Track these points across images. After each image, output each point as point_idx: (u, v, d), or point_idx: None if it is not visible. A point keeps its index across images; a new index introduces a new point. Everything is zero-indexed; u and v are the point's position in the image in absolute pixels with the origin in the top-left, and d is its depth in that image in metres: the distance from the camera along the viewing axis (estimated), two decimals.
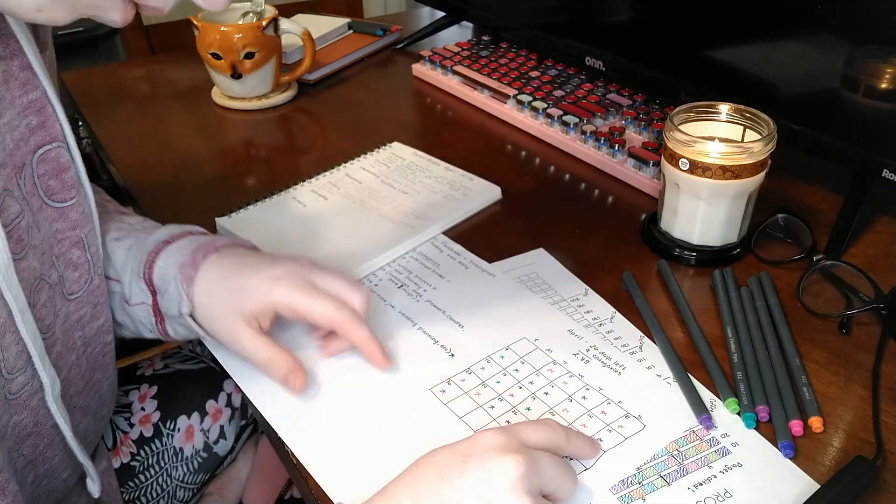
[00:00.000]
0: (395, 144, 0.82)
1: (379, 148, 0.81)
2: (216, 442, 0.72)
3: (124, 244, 0.55)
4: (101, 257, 0.52)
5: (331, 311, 0.49)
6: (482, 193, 0.73)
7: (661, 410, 0.49)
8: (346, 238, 0.66)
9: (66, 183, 0.48)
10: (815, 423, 0.48)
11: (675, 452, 0.46)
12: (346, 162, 0.79)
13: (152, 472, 0.68)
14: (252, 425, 0.76)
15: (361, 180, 0.75)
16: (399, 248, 0.65)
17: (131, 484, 0.67)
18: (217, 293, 0.50)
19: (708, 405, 0.49)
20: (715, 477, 0.44)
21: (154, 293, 0.53)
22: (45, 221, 0.47)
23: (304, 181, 0.75)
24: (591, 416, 0.49)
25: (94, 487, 0.56)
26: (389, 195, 0.72)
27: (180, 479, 0.70)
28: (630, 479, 0.44)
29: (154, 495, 0.68)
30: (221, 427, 0.73)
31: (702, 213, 0.62)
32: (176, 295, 0.51)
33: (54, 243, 0.48)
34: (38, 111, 0.46)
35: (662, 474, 0.45)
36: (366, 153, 0.80)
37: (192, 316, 0.51)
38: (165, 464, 0.69)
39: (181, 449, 0.69)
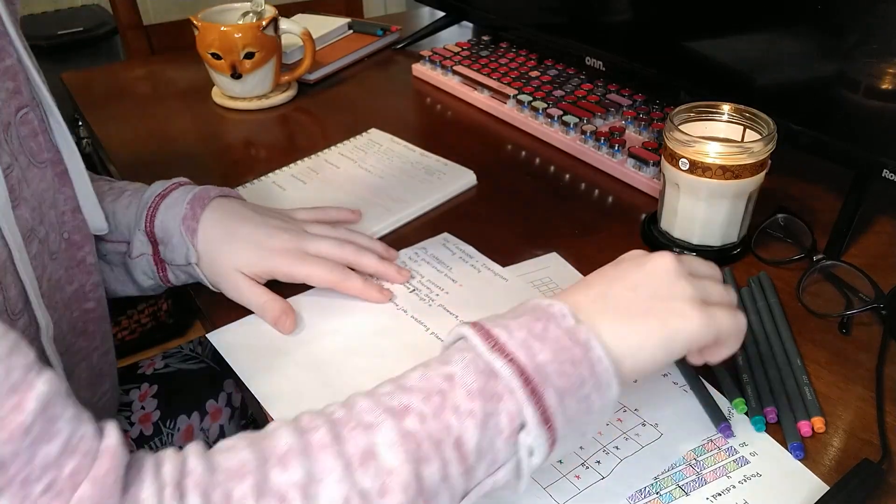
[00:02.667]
0: (373, 131, 0.85)
1: (357, 135, 0.84)
2: (216, 441, 0.71)
3: (122, 204, 0.60)
4: (77, 225, 0.53)
5: (325, 275, 0.58)
6: (457, 178, 0.75)
7: (678, 419, 0.49)
8: None
9: (41, 146, 0.49)
10: (818, 423, 0.48)
11: (693, 462, 0.46)
12: (325, 148, 0.81)
13: None
14: (252, 425, 0.76)
15: (339, 166, 0.78)
16: (375, 229, 0.67)
17: None
18: (219, 248, 0.57)
19: (725, 413, 0.49)
20: (734, 487, 0.44)
21: (155, 244, 0.58)
22: (33, 179, 0.48)
23: (284, 167, 0.78)
24: (607, 424, 0.48)
25: None
26: (366, 180, 0.75)
27: None
28: (647, 489, 0.44)
29: None
30: (221, 426, 0.73)
31: (702, 213, 0.62)
32: (182, 246, 0.57)
33: (42, 201, 0.49)
34: (13, 77, 0.47)
35: (680, 484, 0.44)
36: (343, 140, 0.83)
37: (198, 265, 0.58)
38: None
39: (181, 448, 0.69)
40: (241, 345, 0.55)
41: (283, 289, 0.58)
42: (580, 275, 0.62)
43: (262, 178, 0.76)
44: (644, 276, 0.43)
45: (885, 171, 0.60)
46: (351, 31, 1.14)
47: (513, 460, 0.38)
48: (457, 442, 0.36)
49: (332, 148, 0.81)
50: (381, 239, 0.66)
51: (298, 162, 0.79)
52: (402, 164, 0.77)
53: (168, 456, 0.36)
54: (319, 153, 0.80)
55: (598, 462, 0.46)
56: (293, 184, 0.75)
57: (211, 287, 0.59)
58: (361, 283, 0.58)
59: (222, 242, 0.57)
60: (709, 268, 0.46)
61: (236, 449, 0.36)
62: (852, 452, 0.46)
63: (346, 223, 0.66)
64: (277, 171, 0.77)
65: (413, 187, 0.73)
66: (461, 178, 0.75)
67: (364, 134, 0.84)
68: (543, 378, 0.37)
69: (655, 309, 0.41)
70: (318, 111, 0.94)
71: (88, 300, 0.56)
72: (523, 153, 0.83)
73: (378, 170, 0.77)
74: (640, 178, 0.74)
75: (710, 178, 0.59)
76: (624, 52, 0.83)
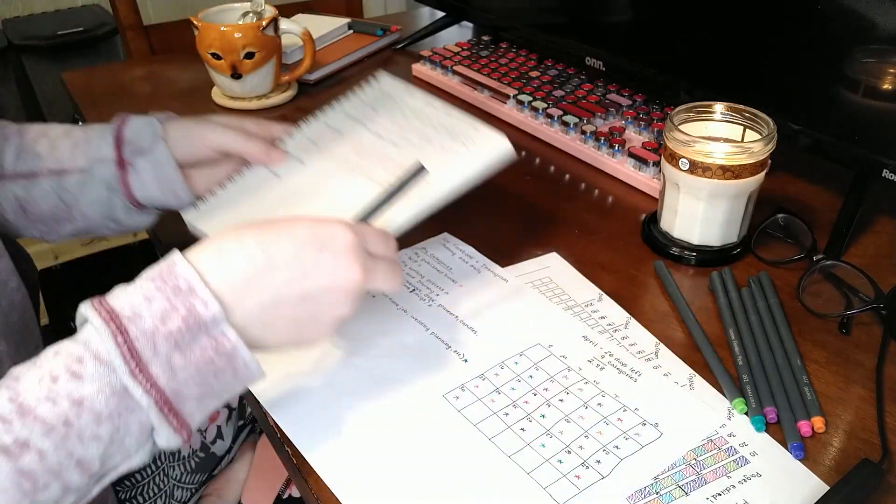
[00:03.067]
0: (383, 77, 0.68)
1: (364, 85, 0.68)
2: (213, 442, 0.71)
3: (70, 139, 0.59)
4: None
5: (231, 140, 0.60)
6: (489, 148, 0.58)
7: (678, 418, 0.48)
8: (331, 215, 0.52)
9: None
10: (818, 423, 0.48)
11: (693, 462, 0.46)
12: (327, 105, 0.67)
13: (148, 472, 0.68)
14: (250, 425, 0.76)
15: (344, 132, 0.63)
16: (393, 227, 0.53)
17: (127, 483, 0.66)
18: (184, 129, 0.60)
19: (726, 413, 0.49)
20: (734, 487, 0.44)
21: (120, 142, 0.59)
22: None
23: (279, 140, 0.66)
24: (607, 424, 0.48)
25: None
26: (378, 149, 0.61)
27: (177, 478, 0.70)
28: (647, 489, 0.44)
29: (151, 494, 0.68)
30: (219, 427, 0.73)
31: (702, 213, 0.62)
32: (149, 126, 0.59)
33: None
34: None
35: (680, 484, 0.44)
36: (346, 93, 0.68)
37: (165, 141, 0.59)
38: (162, 463, 0.68)
39: (178, 448, 0.69)
40: None
41: None
42: (580, 275, 0.62)
43: (254, 165, 0.63)
44: (320, 290, 0.42)
45: (885, 171, 0.60)
46: (351, 31, 1.14)
47: (146, 447, 0.39)
48: (79, 462, 0.36)
49: (336, 105, 0.66)
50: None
51: (296, 132, 0.65)
52: (422, 126, 0.62)
53: None
54: (320, 114, 0.66)
55: (598, 462, 0.46)
56: (289, 166, 0.62)
57: (177, 164, 0.59)
58: (258, 149, 0.60)
59: (183, 128, 0.61)
60: (384, 247, 0.47)
61: None
62: (852, 452, 0.46)
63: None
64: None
65: (434, 161, 0.55)
66: (494, 148, 0.58)
67: (372, 82, 0.68)
68: (183, 397, 0.38)
69: (307, 326, 0.43)
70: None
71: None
72: (523, 153, 0.83)
73: (392, 134, 0.62)
74: (640, 178, 0.74)
75: (710, 178, 0.59)
76: (624, 52, 0.83)
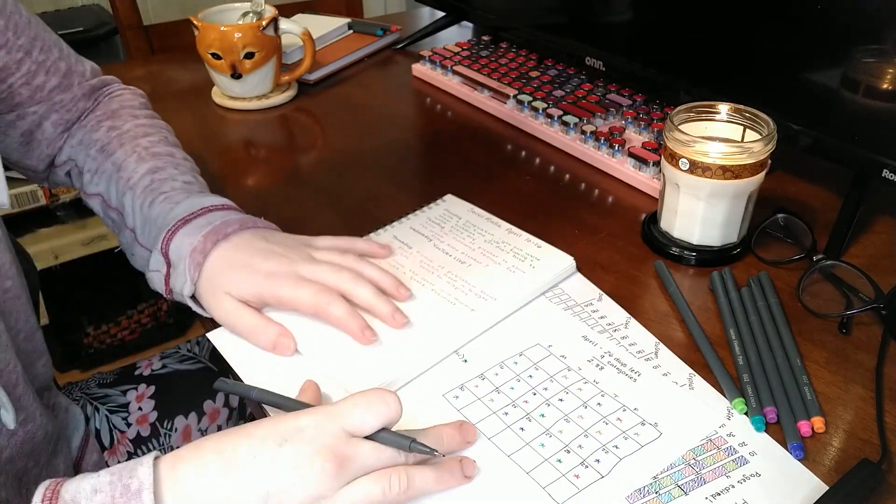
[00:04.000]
0: (449, 198, 0.72)
1: (431, 204, 0.71)
2: None
3: (154, 211, 0.59)
4: None
5: (308, 298, 0.53)
6: (553, 265, 0.61)
7: (677, 418, 0.48)
8: (394, 336, 0.55)
9: None
10: (818, 423, 0.48)
11: (693, 461, 0.46)
12: (395, 220, 0.69)
13: None
14: None
15: (412, 245, 0.65)
16: (460, 340, 0.55)
17: None
18: (215, 278, 0.55)
19: (725, 413, 0.49)
20: (733, 486, 0.44)
21: (168, 265, 0.56)
22: None
23: None
24: (607, 424, 0.48)
25: (7, 417, 0.50)
26: (445, 265, 0.62)
27: None
28: (646, 489, 0.44)
29: None
30: (219, 427, 0.73)
31: (702, 213, 0.62)
32: (183, 275, 0.55)
33: None
34: None
35: (679, 483, 0.44)
36: (415, 210, 0.70)
37: (193, 297, 0.56)
38: None
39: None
40: (241, 344, 0.54)
41: None
42: (580, 275, 0.62)
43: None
44: (279, 486, 0.39)
45: (885, 171, 0.60)
46: (351, 31, 1.14)
47: None
48: None
49: (404, 220, 0.68)
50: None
51: (366, 238, 0.66)
52: (486, 245, 0.64)
53: None
54: (388, 226, 0.68)
55: (598, 461, 0.46)
56: None
57: (212, 318, 0.56)
58: (344, 313, 0.53)
59: (220, 273, 0.55)
60: (372, 418, 0.41)
61: None
62: (852, 452, 0.46)
63: (374, 257, 0.61)
64: None
65: (500, 278, 0.60)
66: (557, 265, 0.61)
67: (440, 202, 0.71)
68: None
69: None
70: (318, 111, 0.94)
71: (7, 278, 0.54)
72: (523, 153, 0.83)
73: (458, 251, 0.63)
74: (640, 178, 0.74)
75: (710, 178, 0.59)
76: (624, 52, 0.83)
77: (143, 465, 0.38)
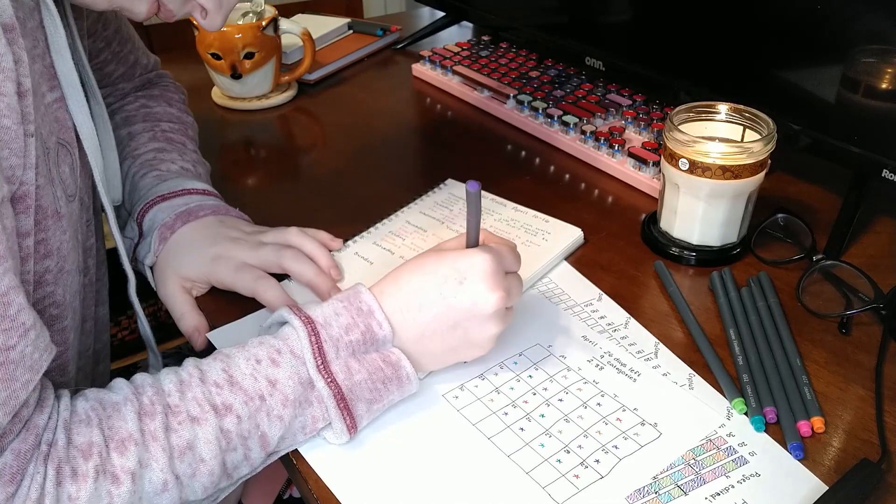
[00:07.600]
0: (451, 182, 0.74)
1: (434, 189, 0.73)
2: None
3: (142, 184, 0.64)
4: (75, 254, 0.53)
5: (246, 284, 0.57)
6: (562, 237, 0.65)
7: (677, 418, 0.49)
8: None
9: (67, 187, 0.49)
10: (817, 423, 0.48)
11: (692, 461, 0.46)
12: (401, 208, 0.70)
13: None
14: None
15: (426, 228, 0.67)
16: None
17: None
18: (171, 256, 0.59)
19: (725, 413, 0.49)
20: (733, 486, 0.44)
21: (140, 235, 0.61)
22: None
23: (361, 233, 0.67)
24: (607, 424, 0.48)
25: None
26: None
27: None
28: (646, 489, 0.44)
29: None
30: None
31: (701, 213, 0.62)
32: (148, 246, 0.60)
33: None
34: (55, 111, 0.48)
35: (679, 483, 0.44)
36: (421, 195, 0.72)
37: (151, 268, 0.60)
38: None
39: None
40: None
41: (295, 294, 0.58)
42: (580, 275, 0.62)
43: (343, 250, 0.64)
44: (465, 314, 0.48)
45: (884, 171, 0.60)
46: (351, 31, 1.14)
47: (312, 437, 0.47)
48: (262, 437, 0.44)
49: (412, 205, 0.70)
50: None
51: (378, 226, 0.68)
52: (497, 223, 0.67)
53: (47, 424, 0.40)
54: (398, 213, 0.69)
55: (598, 461, 0.46)
56: (379, 254, 0.64)
57: (158, 293, 0.60)
58: (275, 296, 0.56)
59: (175, 253, 0.59)
60: (517, 262, 0.51)
61: (89, 424, 0.40)
62: (851, 452, 0.46)
63: (330, 249, 0.63)
64: (357, 239, 0.66)
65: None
66: (567, 237, 0.65)
67: (442, 186, 0.73)
68: (356, 396, 0.46)
69: (462, 348, 0.49)
70: (318, 111, 0.94)
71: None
72: (523, 153, 0.83)
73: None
74: (639, 178, 0.74)
75: (710, 178, 0.59)
76: (624, 52, 0.83)
77: (363, 293, 0.48)
